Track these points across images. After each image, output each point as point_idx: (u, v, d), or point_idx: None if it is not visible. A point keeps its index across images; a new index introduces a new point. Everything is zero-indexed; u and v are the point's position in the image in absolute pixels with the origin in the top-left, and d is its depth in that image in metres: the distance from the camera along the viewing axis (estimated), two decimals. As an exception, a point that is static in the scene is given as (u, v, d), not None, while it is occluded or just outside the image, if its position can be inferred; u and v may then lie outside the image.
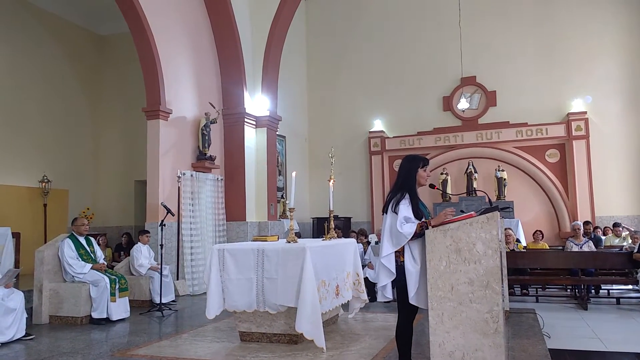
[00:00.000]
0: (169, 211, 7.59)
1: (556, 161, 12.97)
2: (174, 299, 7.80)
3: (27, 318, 5.64)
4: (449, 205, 12.41)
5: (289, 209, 5.26)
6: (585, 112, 12.57)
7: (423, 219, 3.48)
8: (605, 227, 10.72)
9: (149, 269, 7.65)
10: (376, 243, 9.07)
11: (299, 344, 4.79)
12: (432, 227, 3.35)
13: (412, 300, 3.39)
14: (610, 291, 8.59)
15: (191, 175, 9.19)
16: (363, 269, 6.76)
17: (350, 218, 13.76)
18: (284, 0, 10.70)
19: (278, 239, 5.67)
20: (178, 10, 9.54)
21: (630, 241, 9.18)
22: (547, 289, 8.86)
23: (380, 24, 14.49)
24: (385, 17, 14.47)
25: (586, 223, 10.16)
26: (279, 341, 4.86)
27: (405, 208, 3.45)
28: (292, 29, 11.70)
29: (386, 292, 3.53)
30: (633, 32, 12.47)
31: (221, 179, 10.20)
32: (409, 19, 14.24)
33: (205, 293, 4.89)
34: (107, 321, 6.29)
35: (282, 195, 12.72)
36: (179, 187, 8.81)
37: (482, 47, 13.47)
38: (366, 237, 8.76)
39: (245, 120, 10.47)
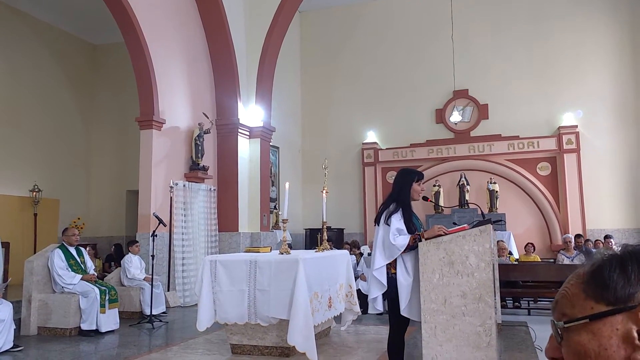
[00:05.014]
0: (160, 221, 7.54)
1: (547, 174, 13.04)
2: (164, 310, 7.72)
3: (15, 329, 5.56)
4: (442, 217, 12.44)
5: (282, 220, 5.24)
6: (576, 126, 12.67)
7: (416, 232, 3.48)
8: (597, 240, 10.76)
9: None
10: (369, 254, 9.05)
11: (290, 357, 4.76)
12: (425, 239, 3.35)
13: (404, 312, 3.37)
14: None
15: (184, 186, 9.15)
16: (355, 280, 6.74)
17: (343, 229, 13.72)
18: (279, 12, 10.77)
19: (271, 250, 5.65)
20: (172, 20, 9.57)
21: None
22: (539, 302, 8.85)
23: (374, 37, 14.60)
24: (379, 30, 14.58)
25: (577, 236, 10.19)
26: (271, 354, 4.81)
27: (397, 221, 3.45)
28: (286, 41, 11.76)
29: (377, 305, 3.52)
30: (624, 47, 12.65)
31: (214, 190, 10.17)
32: (403, 32, 14.35)
33: (196, 305, 4.83)
34: (96, 333, 6.21)
35: (275, 206, 12.69)
36: (171, 198, 8.77)
37: (475, 61, 13.59)
38: (358, 248, 8.75)
39: (239, 130, 10.47)
